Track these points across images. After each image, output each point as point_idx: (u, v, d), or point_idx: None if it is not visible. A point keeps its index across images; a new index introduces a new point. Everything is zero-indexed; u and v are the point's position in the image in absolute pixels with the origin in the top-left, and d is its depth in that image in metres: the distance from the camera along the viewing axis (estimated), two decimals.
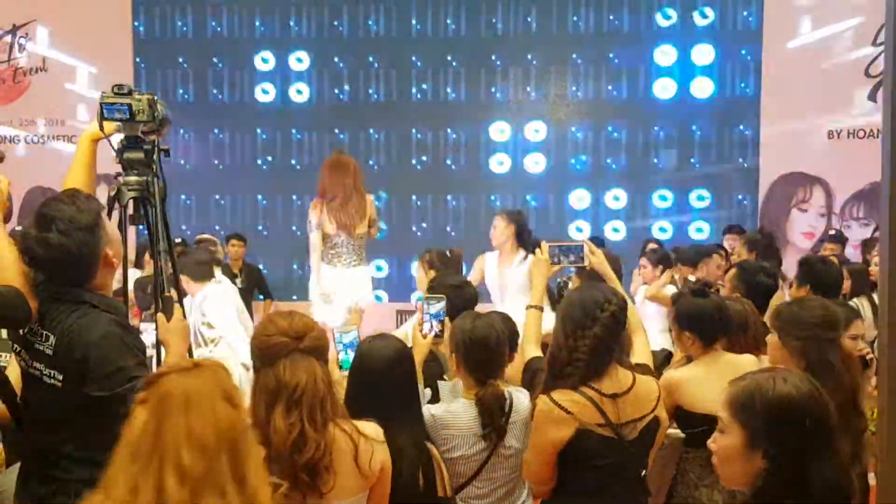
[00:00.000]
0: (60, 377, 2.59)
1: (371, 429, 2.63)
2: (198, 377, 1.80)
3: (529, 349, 3.51)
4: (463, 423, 3.21)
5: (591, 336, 2.95)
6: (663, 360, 5.30)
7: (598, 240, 8.18)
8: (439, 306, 3.55)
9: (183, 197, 9.91)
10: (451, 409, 3.25)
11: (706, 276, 6.87)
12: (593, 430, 2.93)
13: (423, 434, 3.06)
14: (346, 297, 6.73)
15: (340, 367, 3.26)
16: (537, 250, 3.92)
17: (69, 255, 2.60)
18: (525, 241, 5.98)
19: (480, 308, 3.92)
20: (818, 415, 2.10)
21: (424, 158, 9.90)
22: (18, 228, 8.02)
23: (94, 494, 1.79)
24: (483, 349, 3.25)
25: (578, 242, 3.84)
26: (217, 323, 5.34)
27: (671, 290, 6.85)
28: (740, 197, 9.69)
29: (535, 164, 9.77)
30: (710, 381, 3.46)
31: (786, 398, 2.11)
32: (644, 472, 3.09)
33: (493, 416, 3.18)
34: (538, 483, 3.10)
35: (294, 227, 9.67)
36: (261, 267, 9.20)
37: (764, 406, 2.11)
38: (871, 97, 9.18)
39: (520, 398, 3.32)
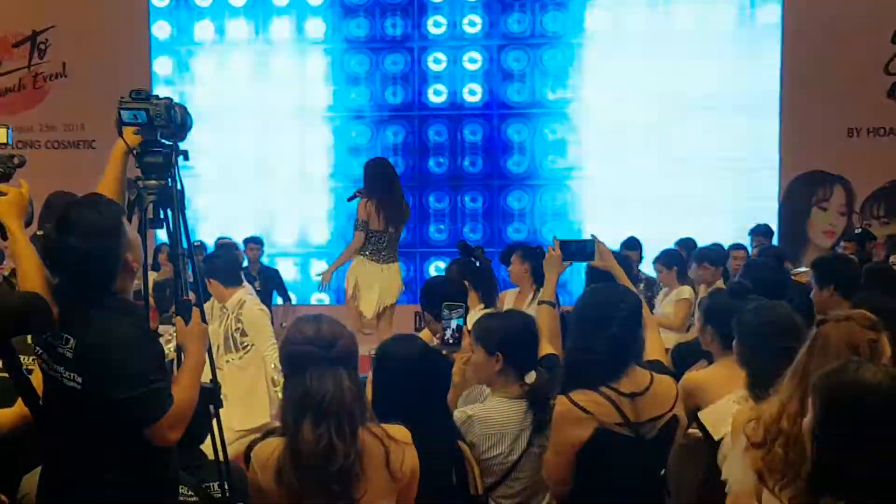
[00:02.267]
0: (80, 380, 2.61)
1: (399, 432, 2.62)
2: None
3: (543, 346, 3.51)
4: (507, 419, 3.22)
5: (608, 335, 2.94)
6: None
7: (633, 240, 8.17)
8: (459, 313, 3.54)
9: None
10: (492, 407, 3.25)
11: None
12: (612, 430, 2.92)
13: (454, 433, 3.06)
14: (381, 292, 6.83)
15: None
16: (549, 246, 3.95)
17: (90, 259, 2.62)
18: (541, 279, 5.99)
19: None
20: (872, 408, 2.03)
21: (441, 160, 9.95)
22: (39, 233, 8.07)
23: None
24: (525, 340, 3.28)
25: (589, 239, 3.87)
26: (252, 333, 5.29)
27: (687, 291, 6.85)
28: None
29: None
30: (730, 383, 3.45)
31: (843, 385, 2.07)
32: (663, 471, 3.08)
33: (545, 404, 3.16)
34: (557, 484, 3.09)
35: None
36: (278, 269, 9.24)
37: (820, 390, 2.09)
38: (891, 94, 9.13)
39: None
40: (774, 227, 9.09)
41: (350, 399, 2.47)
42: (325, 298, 8.31)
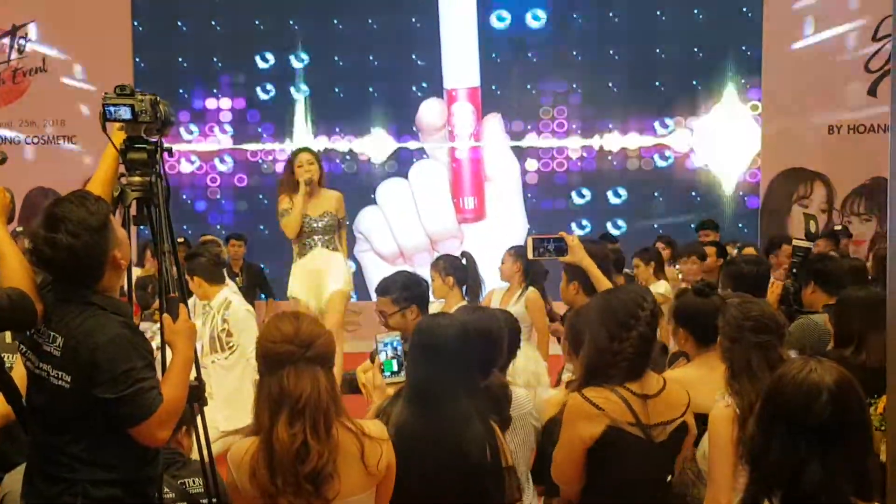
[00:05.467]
0: (68, 378, 2.59)
1: (375, 427, 2.63)
2: None
3: None
4: None
5: (635, 336, 2.97)
6: (658, 352, 5.33)
7: (608, 236, 8.21)
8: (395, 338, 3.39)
9: (184, 197, 9.93)
10: None
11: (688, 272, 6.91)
12: (623, 429, 2.93)
13: (488, 402, 3.04)
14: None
15: (382, 372, 3.26)
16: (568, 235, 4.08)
17: (77, 256, 2.60)
18: (531, 277, 6.00)
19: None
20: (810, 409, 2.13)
21: None
22: (19, 229, 8.02)
23: None
24: (486, 340, 3.23)
25: (558, 235, 3.96)
26: (238, 334, 5.24)
27: (664, 286, 6.91)
28: (741, 193, 9.71)
29: None
30: (708, 381, 3.48)
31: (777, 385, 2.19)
32: (671, 477, 3.09)
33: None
34: (566, 483, 3.08)
35: None
36: (262, 266, 9.21)
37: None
38: (872, 92, 9.20)
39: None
40: (755, 224, 9.18)
41: (326, 399, 2.46)
42: None
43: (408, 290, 3.98)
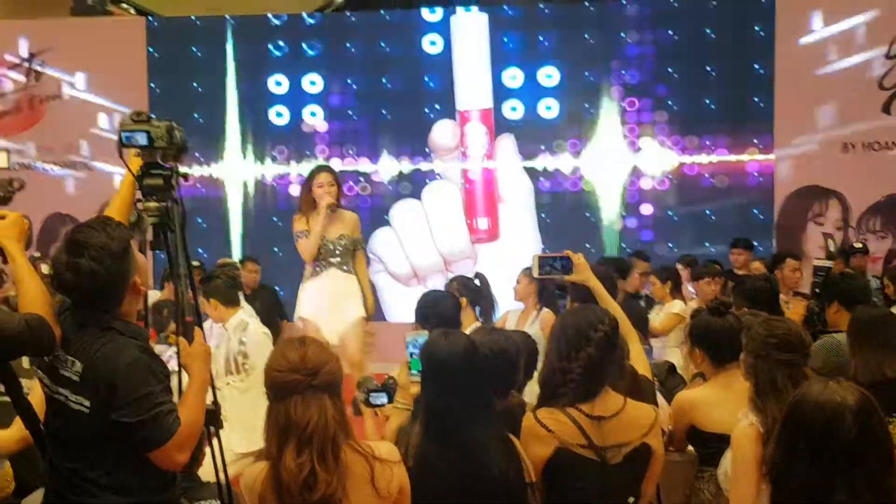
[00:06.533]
0: (87, 403, 2.61)
1: (386, 449, 2.63)
2: None
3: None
4: None
5: (585, 357, 2.97)
6: (667, 372, 5.32)
7: (641, 253, 8.20)
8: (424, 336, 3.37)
9: (199, 220, 9.98)
10: None
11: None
12: (574, 451, 2.93)
13: (507, 425, 3.02)
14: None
15: (410, 370, 3.25)
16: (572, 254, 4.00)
17: (99, 281, 2.62)
18: (546, 298, 5.98)
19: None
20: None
21: None
22: (37, 255, 8.07)
23: None
24: (502, 361, 3.23)
25: (564, 254, 3.91)
26: (254, 356, 5.21)
27: (679, 305, 6.90)
28: (755, 211, 9.67)
29: None
30: (724, 401, 3.49)
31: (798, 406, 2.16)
32: (634, 499, 3.06)
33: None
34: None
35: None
36: (277, 288, 9.22)
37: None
38: (885, 109, 9.18)
39: None
40: (772, 242, 9.15)
41: (333, 427, 2.47)
42: None
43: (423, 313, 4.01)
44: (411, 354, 3.26)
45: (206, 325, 5.89)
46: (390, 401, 3.43)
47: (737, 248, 8.20)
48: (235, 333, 5.29)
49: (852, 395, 2.16)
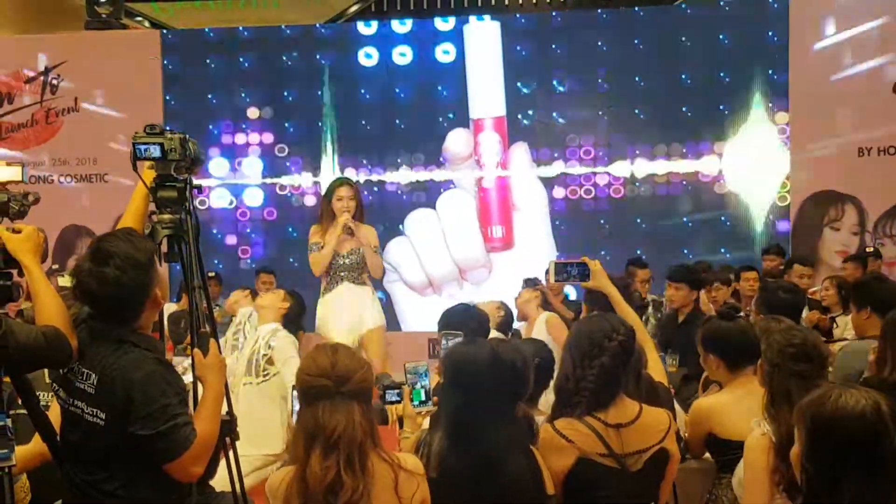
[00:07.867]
0: (103, 415, 2.61)
1: (412, 462, 2.63)
2: None
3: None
4: None
5: (598, 366, 2.96)
6: (680, 381, 5.30)
7: (638, 261, 8.16)
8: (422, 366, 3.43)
9: (214, 231, 10.01)
10: None
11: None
12: (595, 460, 2.92)
13: (528, 436, 3.01)
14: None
15: (412, 401, 3.25)
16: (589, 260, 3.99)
17: (123, 290, 2.63)
18: (546, 303, 6.02)
19: None
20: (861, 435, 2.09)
21: None
22: (55, 267, 8.10)
23: None
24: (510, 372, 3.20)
25: (580, 260, 3.90)
26: (279, 363, 5.19)
27: None
28: (771, 217, 9.63)
29: None
30: (741, 407, 3.47)
31: (825, 413, 2.12)
32: None
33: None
34: None
35: None
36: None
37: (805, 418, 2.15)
38: None
39: None
40: (787, 247, 9.09)
41: (361, 434, 2.48)
42: None
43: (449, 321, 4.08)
44: (413, 385, 3.26)
45: (246, 311, 5.93)
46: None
47: (769, 255, 8.16)
48: (265, 337, 5.30)
49: (867, 400, 2.13)
